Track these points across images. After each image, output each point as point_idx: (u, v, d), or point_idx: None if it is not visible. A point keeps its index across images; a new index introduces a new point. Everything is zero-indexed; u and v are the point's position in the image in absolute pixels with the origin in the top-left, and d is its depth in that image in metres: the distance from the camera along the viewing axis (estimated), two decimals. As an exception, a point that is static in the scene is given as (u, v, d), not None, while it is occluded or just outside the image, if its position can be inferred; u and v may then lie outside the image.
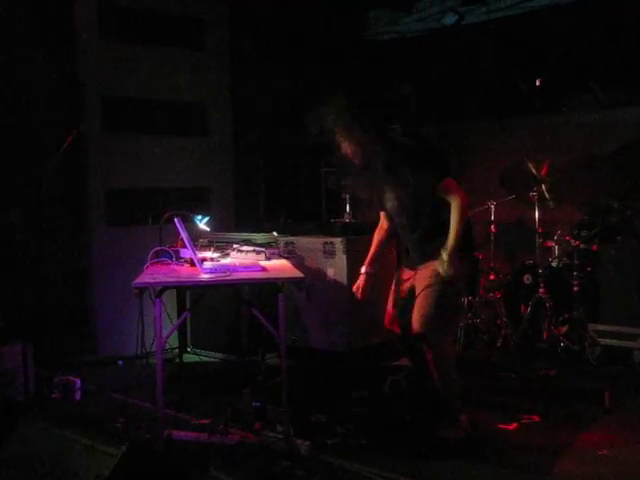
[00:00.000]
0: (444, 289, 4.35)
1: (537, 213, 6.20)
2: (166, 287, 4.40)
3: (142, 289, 4.26)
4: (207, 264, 4.77)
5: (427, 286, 4.38)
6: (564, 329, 6.01)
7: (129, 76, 6.68)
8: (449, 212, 4.32)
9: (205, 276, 4.43)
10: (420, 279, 4.46)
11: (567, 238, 6.15)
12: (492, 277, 6.52)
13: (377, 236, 4.83)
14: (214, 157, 7.34)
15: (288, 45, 7.32)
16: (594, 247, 6.01)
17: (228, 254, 5.27)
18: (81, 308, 6.52)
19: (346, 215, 6.50)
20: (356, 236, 6.17)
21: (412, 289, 4.52)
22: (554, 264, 6.22)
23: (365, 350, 6.08)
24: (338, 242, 6.05)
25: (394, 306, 4.65)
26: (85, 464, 2.94)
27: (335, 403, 5.09)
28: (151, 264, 4.75)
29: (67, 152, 5.46)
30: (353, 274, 5.99)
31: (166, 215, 5.17)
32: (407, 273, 4.63)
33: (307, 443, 4.27)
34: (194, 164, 7.15)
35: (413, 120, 7.40)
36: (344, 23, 7.54)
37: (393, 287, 4.72)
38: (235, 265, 4.82)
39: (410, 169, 4.32)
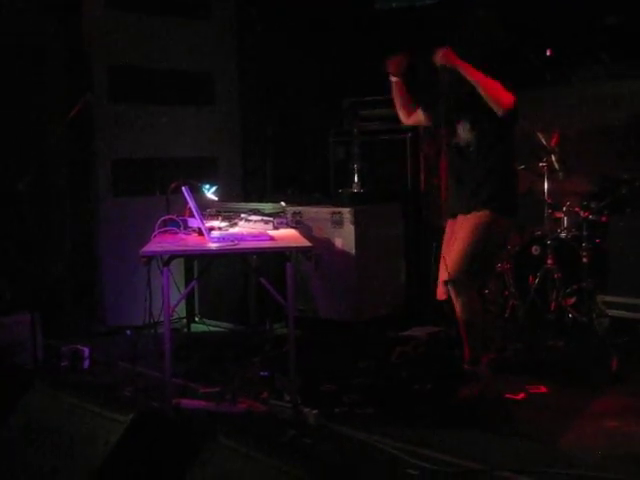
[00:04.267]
0: (480, 240, 4.47)
1: (546, 184, 6.15)
2: (174, 256, 4.40)
3: (150, 258, 4.27)
4: (215, 233, 4.77)
5: (466, 236, 4.50)
6: (572, 300, 5.99)
7: (136, 45, 6.64)
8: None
9: (213, 245, 4.42)
10: (462, 228, 4.57)
11: (576, 209, 6.11)
12: (500, 248, 6.50)
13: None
14: (221, 126, 7.31)
15: (295, 14, 7.25)
16: (603, 218, 5.98)
17: (236, 223, 5.26)
18: (89, 277, 6.53)
19: (354, 185, 6.47)
20: (364, 206, 6.16)
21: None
22: (563, 235, 6.19)
23: (373, 320, 6.08)
24: (346, 212, 6.03)
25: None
26: (93, 431, 2.95)
27: (342, 373, 5.09)
28: (159, 233, 4.74)
29: (74, 121, 5.44)
30: (361, 244, 6.00)
31: (174, 184, 5.15)
32: (449, 225, 4.76)
33: (315, 412, 4.27)
34: (201, 133, 7.12)
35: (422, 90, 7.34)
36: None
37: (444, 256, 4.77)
38: (243, 234, 4.81)
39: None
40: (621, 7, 6.35)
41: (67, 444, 2.97)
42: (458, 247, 4.52)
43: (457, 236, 4.59)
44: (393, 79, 4.89)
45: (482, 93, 4.36)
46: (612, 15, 6.30)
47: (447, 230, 4.82)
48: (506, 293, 6.26)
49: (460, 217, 4.63)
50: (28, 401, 3.34)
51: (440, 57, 4.47)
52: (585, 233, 5.96)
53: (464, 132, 4.58)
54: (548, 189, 6.15)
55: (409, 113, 5.00)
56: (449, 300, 4.62)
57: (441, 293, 4.70)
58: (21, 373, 4.80)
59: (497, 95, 4.35)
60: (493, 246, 4.68)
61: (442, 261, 4.75)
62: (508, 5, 6.84)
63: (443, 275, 4.65)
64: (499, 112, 4.36)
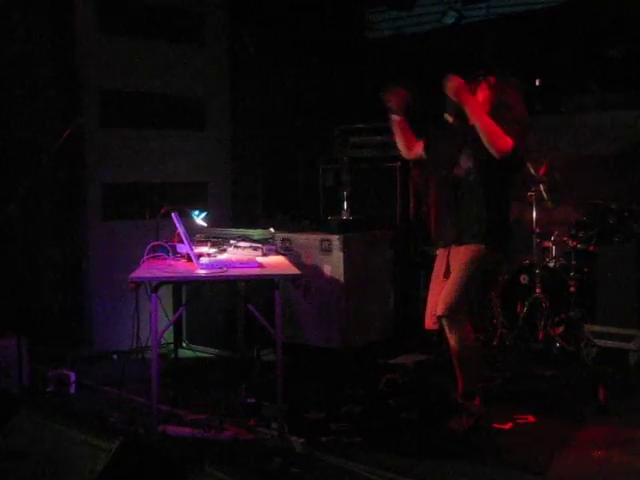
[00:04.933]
0: (473, 274, 4.42)
1: (535, 213, 6.19)
2: (162, 282, 4.39)
3: (138, 283, 4.26)
4: (204, 259, 4.76)
5: (460, 270, 4.44)
6: (560, 329, 6.00)
7: (127, 69, 6.64)
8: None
9: (201, 272, 4.42)
10: (455, 261, 4.51)
11: (564, 239, 6.15)
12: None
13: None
14: (212, 152, 7.32)
15: (288, 41, 7.30)
16: (591, 248, 6.01)
17: (225, 250, 5.25)
18: (76, 302, 6.50)
19: (343, 212, 6.49)
20: (353, 233, 6.17)
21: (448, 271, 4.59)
22: (551, 264, 6.22)
23: (361, 348, 6.07)
24: (335, 239, 6.03)
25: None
26: (79, 458, 2.93)
27: (330, 400, 5.07)
28: (147, 259, 4.73)
29: (64, 145, 5.43)
30: (350, 272, 6.00)
31: (163, 210, 5.14)
32: (440, 255, 4.68)
33: (301, 440, 4.26)
34: (192, 159, 7.12)
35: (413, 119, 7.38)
36: (344, 20, 7.52)
37: (433, 286, 4.73)
38: (232, 261, 4.80)
39: None
40: (612, 38, 6.41)
41: (52, 472, 2.95)
42: (451, 281, 4.46)
43: (451, 268, 4.56)
44: (394, 116, 4.74)
45: (480, 134, 4.33)
46: (614, 47, 6.34)
47: (437, 260, 4.75)
48: (494, 321, 6.27)
49: (453, 248, 4.58)
50: (13, 427, 3.32)
51: (449, 88, 4.40)
52: (573, 262, 5.99)
53: (465, 161, 4.53)
54: (536, 218, 6.19)
55: (411, 147, 4.85)
56: (440, 329, 4.60)
57: (430, 323, 4.65)
58: (7, 398, 4.77)
59: (493, 139, 4.28)
60: (484, 279, 4.61)
61: (430, 291, 4.73)
62: (499, 34, 6.92)
63: (432, 305, 4.63)
64: (495, 155, 4.32)
